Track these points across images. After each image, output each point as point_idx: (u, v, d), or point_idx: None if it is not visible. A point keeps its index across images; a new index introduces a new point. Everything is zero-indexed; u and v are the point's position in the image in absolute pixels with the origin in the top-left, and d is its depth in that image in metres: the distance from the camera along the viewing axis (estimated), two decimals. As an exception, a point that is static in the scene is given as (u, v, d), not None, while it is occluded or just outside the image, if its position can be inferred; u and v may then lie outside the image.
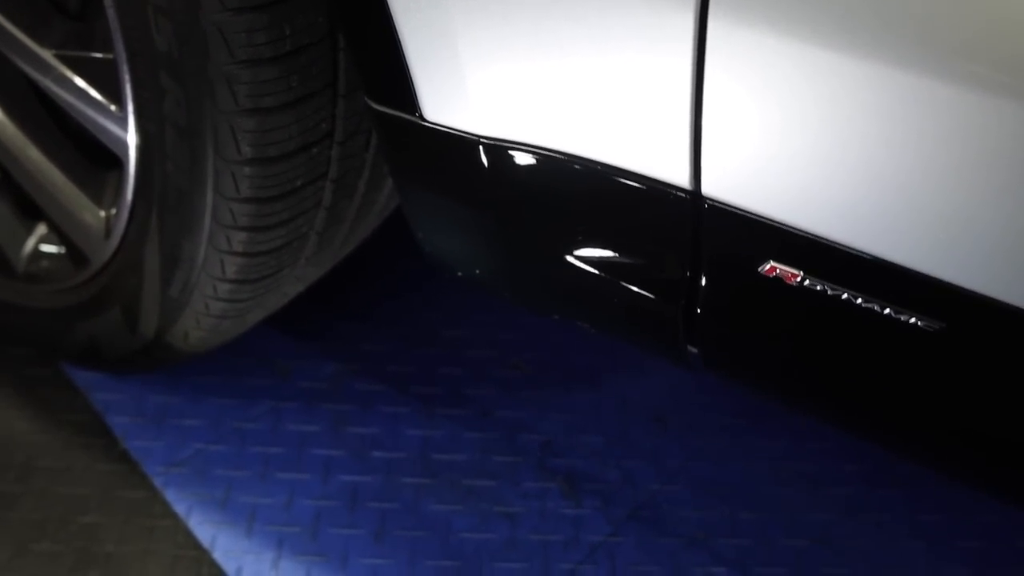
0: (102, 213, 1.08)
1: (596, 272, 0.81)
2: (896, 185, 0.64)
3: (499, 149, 0.76)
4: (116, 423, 1.28)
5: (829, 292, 0.70)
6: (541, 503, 1.23)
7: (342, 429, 1.30)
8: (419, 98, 0.76)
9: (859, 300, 0.69)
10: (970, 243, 0.62)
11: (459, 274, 0.94)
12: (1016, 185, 0.59)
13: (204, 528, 1.17)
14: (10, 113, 1.10)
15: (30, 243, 1.22)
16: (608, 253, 0.79)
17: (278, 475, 1.23)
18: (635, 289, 0.80)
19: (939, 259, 0.64)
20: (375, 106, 0.80)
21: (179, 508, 1.19)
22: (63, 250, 1.20)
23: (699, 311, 0.78)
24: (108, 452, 1.24)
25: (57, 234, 1.20)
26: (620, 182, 0.74)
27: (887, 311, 0.68)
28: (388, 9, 0.72)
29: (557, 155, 0.75)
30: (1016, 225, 0.60)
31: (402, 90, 0.76)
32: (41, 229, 1.22)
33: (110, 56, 0.92)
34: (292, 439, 1.28)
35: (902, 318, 0.68)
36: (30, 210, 1.21)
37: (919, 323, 0.67)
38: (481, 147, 0.77)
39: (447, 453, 1.28)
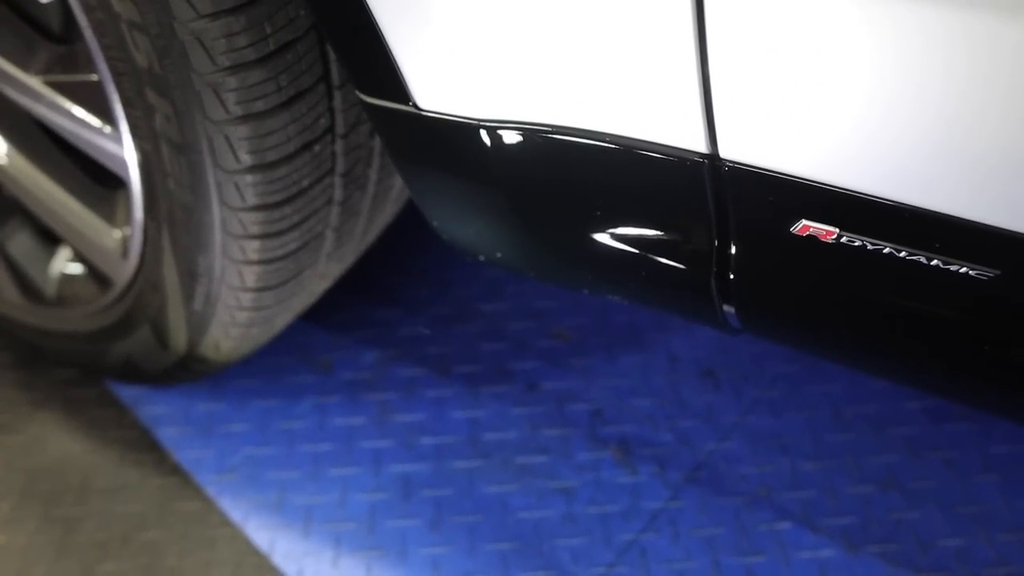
0: (117, 234, 1.06)
1: (620, 247, 0.77)
2: (935, 129, 0.58)
3: (501, 131, 0.72)
4: (165, 436, 1.28)
5: (869, 247, 0.65)
6: (596, 474, 1.20)
7: (388, 418, 1.28)
8: (409, 87, 0.71)
9: (903, 253, 0.64)
10: (1020, 187, 0.57)
11: (481, 258, 0.90)
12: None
13: (262, 534, 1.17)
14: (15, 144, 1.09)
15: (54, 267, 1.21)
16: (630, 227, 0.75)
17: (329, 472, 1.23)
18: (663, 260, 0.76)
19: (990, 205, 0.58)
20: (366, 99, 0.76)
21: (235, 516, 1.19)
22: (87, 272, 1.19)
23: (733, 276, 0.74)
24: (160, 466, 1.24)
25: (79, 258, 1.19)
26: (633, 153, 0.69)
27: (935, 263, 0.63)
28: (363, -2, 0.67)
29: (562, 131, 0.70)
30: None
31: (391, 80, 0.72)
32: (64, 253, 1.21)
33: (96, 78, 0.89)
34: (340, 434, 1.27)
35: (952, 268, 0.63)
36: (50, 235, 1.20)
37: (971, 272, 0.62)
38: (483, 131, 0.73)
39: (496, 432, 1.26)
